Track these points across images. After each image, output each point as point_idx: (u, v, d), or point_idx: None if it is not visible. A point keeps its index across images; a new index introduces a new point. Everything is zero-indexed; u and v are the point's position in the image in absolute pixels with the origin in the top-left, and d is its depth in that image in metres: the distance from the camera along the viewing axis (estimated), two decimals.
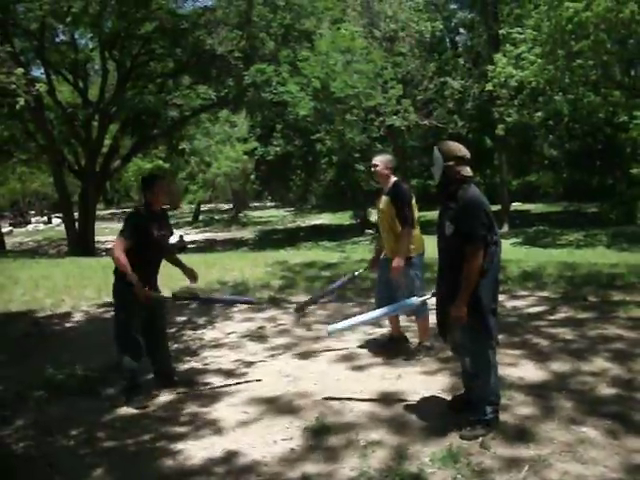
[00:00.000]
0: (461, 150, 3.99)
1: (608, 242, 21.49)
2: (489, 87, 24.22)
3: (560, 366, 5.14)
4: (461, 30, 35.84)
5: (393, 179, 5.65)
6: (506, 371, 5.06)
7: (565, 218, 30.11)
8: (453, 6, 34.50)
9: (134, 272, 4.77)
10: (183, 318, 7.97)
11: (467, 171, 3.97)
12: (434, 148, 4.09)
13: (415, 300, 4.69)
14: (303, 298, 8.82)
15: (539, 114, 22.76)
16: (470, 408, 4.12)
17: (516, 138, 31.42)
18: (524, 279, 8.97)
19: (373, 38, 27.17)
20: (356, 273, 6.53)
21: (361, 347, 6.13)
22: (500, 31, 25.77)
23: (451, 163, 3.94)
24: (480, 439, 3.87)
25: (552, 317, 6.93)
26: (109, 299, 9.04)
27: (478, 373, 4.02)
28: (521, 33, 23.46)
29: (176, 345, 6.62)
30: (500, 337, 5.87)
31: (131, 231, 4.86)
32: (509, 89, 23.48)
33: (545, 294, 8.13)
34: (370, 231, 25.47)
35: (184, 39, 21.69)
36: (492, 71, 23.83)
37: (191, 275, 5.29)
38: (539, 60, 21.73)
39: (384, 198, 5.65)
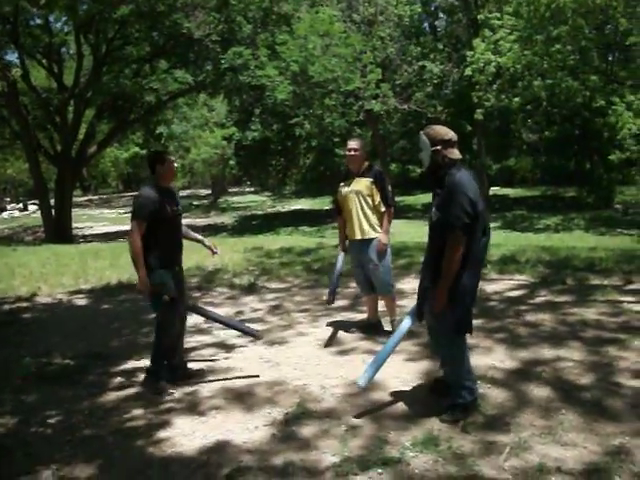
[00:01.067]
0: (448, 133, 3.91)
1: (586, 226, 21.72)
2: (468, 72, 24.24)
3: (539, 351, 5.16)
4: (440, 14, 35.75)
5: (367, 162, 5.77)
6: (485, 356, 5.09)
7: (543, 202, 30.34)
8: None
9: (157, 254, 4.69)
10: None
11: (455, 154, 3.89)
12: (420, 133, 4.01)
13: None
14: (281, 285, 8.80)
15: (517, 99, 22.83)
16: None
17: (495, 123, 31.54)
18: (504, 263, 9.01)
19: (352, 22, 27.02)
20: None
21: (340, 332, 6.12)
22: (479, 16, 25.76)
23: (439, 147, 3.86)
24: (460, 423, 3.88)
25: (531, 301, 6.97)
26: (86, 286, 9.00)
27: (451, 359, 4.03)
28: (499, 19, 23.48)
29: (152, 329, 6.56)
30: (480, 321, 5.95)
31: (145, 211, 4.65)
32: (488, 74, 23.52)
33: (524, 278, 8.18)
34: None
35: (161, 23, 21.41)
36: (471, 56, 23.85)
37: (209, 247, 5.40)
38: (516, 46, 21.78)
39: (361, 180, 5.69)
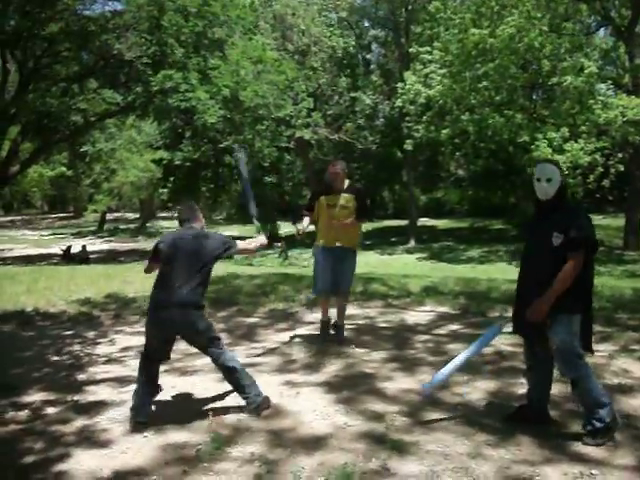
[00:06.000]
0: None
1: (509, 258, 22.24)
2: (399, 103, 24.72)
3: (454, 380, 5.15)
4: (373, 47, 36.47)
5: (347, 180, 6.53)
6: (398, 386, 5.08)
7: (470, 234, 31.01)
8: (366, 24, 35.05)
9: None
10: (70, 332, 7.65)
11: None
12: (545, 165, 4.16)
13: (498, 327, 4.52)
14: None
15: (446, 131, 23.35)
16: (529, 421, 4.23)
17: (425, 154, 32.17)
18: (426, 294, 9.09)
19: (285, 51, 27.23)
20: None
21: (257, 360, 6.03)
22: (410, 50, 26.37)
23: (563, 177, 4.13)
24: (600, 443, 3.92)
25: (448, 332, 7.05)
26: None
27: (585, 379, 3.99)
28: (430, 52, 24.10)
29: (63, 359, 6.35)
30: (392, 353, 5.97)
31: None
32: (417, 106, 24.04)
33: (445, 309, 8.27)
34: (278, 244, 25.35)
35: (91, 42, 21.02)
36: (402, 88, 24.37)
37: None
38: (445, 80, 22.37)
39: (345, 195, 6.44)
